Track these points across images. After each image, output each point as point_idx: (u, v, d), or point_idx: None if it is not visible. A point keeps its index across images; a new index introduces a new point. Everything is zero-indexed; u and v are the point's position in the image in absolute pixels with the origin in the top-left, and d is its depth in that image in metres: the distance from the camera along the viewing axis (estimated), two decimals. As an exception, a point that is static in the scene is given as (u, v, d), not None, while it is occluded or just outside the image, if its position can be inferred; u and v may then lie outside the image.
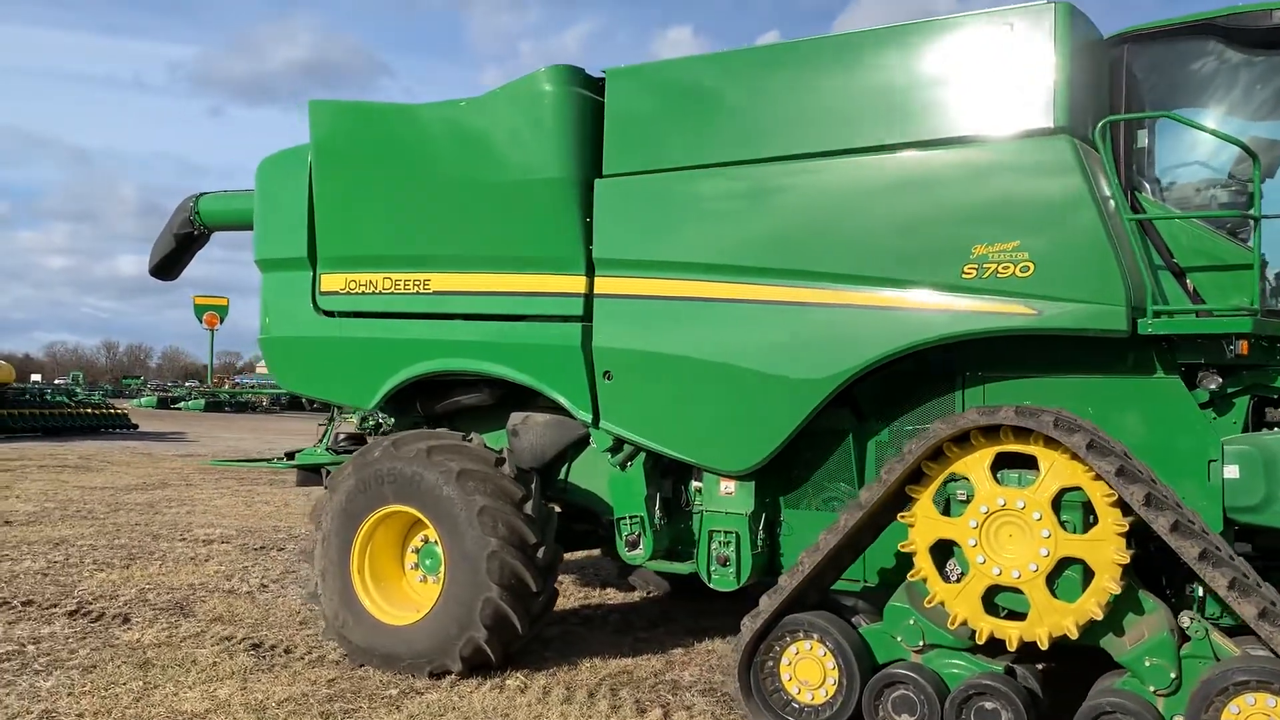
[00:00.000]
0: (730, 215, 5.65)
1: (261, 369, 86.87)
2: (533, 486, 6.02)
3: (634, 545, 6.21)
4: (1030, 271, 4.91)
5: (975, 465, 4.65)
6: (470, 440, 6.14)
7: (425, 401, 6.95)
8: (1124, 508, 4.38)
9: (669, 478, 6.34)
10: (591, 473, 6.68)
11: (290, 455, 7.94)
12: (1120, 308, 4.75)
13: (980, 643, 4.62)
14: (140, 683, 5.62)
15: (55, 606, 7.49)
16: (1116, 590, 4.34)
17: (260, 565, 9.46)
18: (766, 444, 5.61)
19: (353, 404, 6.95)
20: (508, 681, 5.77)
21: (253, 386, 69.98)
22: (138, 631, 6.79)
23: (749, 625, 4.97)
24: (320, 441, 7.87)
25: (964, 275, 5.05)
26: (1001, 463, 4.68)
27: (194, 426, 40.66)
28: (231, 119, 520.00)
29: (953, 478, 4.75)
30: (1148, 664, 4.34)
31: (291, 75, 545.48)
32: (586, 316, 6.05)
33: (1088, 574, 4.48)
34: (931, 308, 5.13)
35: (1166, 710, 4.28)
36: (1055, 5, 4.96)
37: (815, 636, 4.92)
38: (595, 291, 6.01)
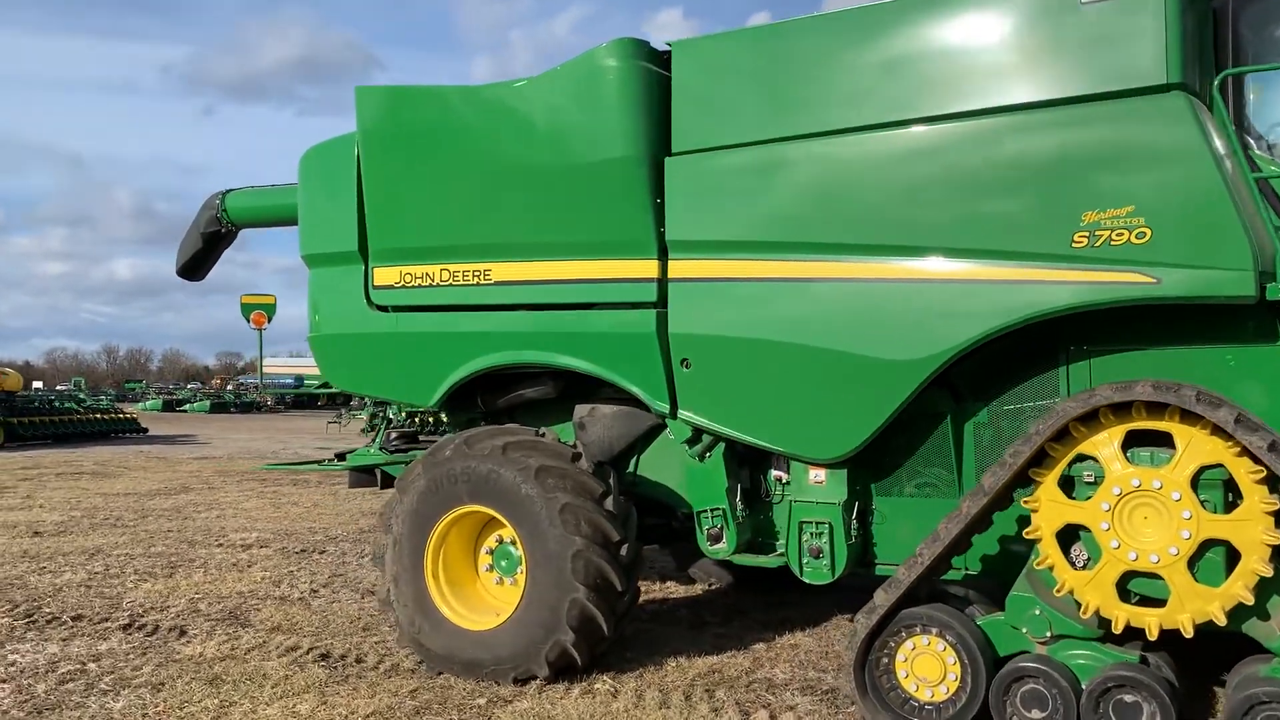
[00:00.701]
0: (816, 189, 5.37)
1: (267, 369, 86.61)
2: (611, 481, 5.76)
3: (716, 539, 5.96)
4: (1147, 238, 4.64)
5: (1105, 444, 4.39)
6: (543, 435, 5.88)
7: (486, 396, 6.68)
8: (1269, 485, 4.13)
9: (746, 467, 6.10)
10: (663, 465, 6.43)
11: (341, 456, 7.70)
12: (1248, 272, 4.48)
13: (1117, 632, 4.37)
14: (215, 700, 5.37)
15: (107, 620, 7.24)
16: (1267, 572, 4.09)
17: (306, 570, 9.20)
18: (862, 429, 5.34)
19: (412, 402, 6.70)
20: (596, 685, 5.52)
21: (255, 386, 69.68)
22: (198, 645, 6.54)
23: (864, 621, 4.72)
24: (373, 442, 7.60)
25: (1074, 244, 4.78)
26: (1129, 441, 4.42)
27: (202, 428, 40.48)
28: (225, 119, 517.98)
29: (1078, 458, 4.49)
30: (1303, 649, 4.09)
31: (283, 72, 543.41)
32: (660, 302, 5.78)
33: (1231, 556, 4.24)
34: (1040, 280, 4.85)
35: (1323, 697, 4.04)
36: (1165, -46, 4.68)
37: (934, 631, 4.66)
38: (669, 276, 5.74)
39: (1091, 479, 4.47)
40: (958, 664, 4.62)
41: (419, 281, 6.48)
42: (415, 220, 6.47)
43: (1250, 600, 4.13)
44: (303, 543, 10.81)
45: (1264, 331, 4.84)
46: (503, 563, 5.92)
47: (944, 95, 5.09)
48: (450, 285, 6.37)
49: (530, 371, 6.46)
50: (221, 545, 10.68)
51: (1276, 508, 4.09)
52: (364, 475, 7.47)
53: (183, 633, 6.90)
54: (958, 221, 5.03)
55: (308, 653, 6.28)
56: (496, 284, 6.24)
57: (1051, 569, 4.49)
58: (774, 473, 6.09)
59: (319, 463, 7.82)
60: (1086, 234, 4.75)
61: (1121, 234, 4.69)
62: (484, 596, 5.94)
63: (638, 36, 5.82)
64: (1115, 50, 4.76)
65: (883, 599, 4.69)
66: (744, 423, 5.67)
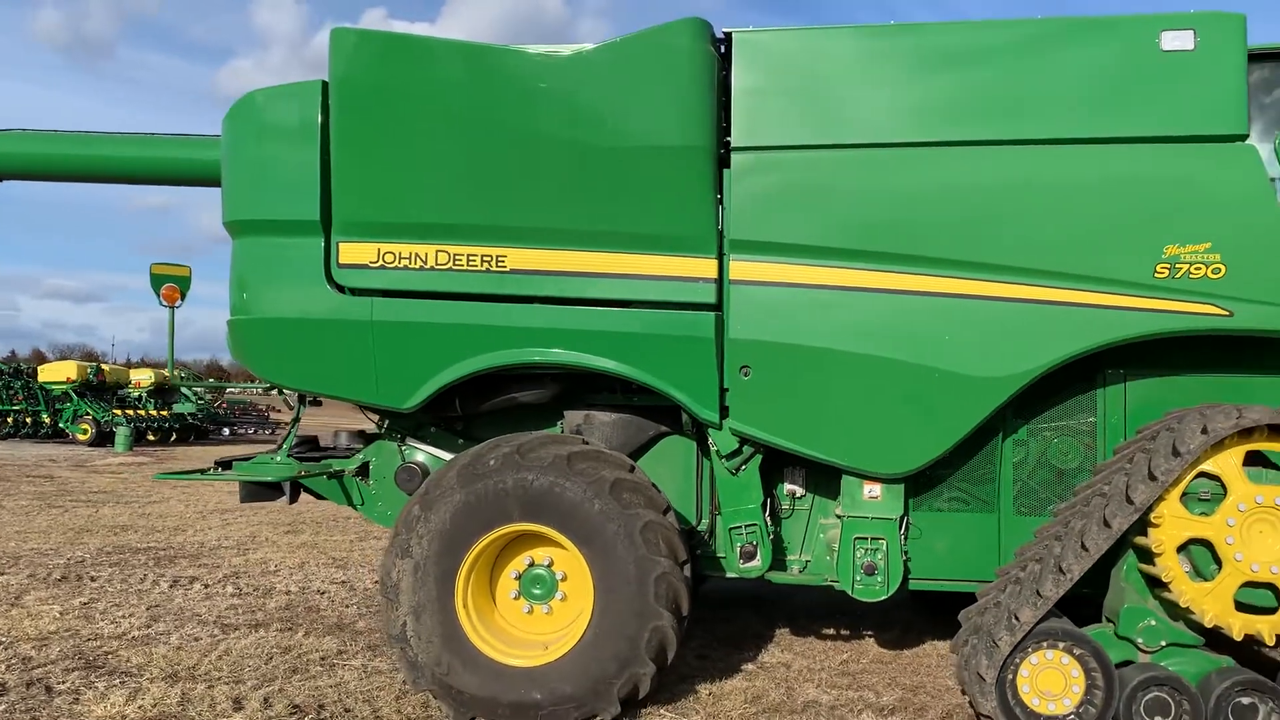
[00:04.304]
0: (900, 200, 5.27)
1: None
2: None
3: (750, 556, 5.65)
4: (1222, 274, 5.04)
5: (1227, 462, 4.70)
6: (590, 443, 5.28)
7: (469, 399, 5.87)
8: (1366, 501, 4.64)
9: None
10: (658, 477, 5.98)
11: (225, 465, 6.36)
12: (1307, 309, 5.02)
13: (1238, 639, 4.67)
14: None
15: (-86, 678, 5.50)
16: (1372, 580, 4.58)
17: (103, 601, 7.59)
18: (936, 445, 5.32)
19: (385, 403, 5.68)
20: (662, 721, 5.04)
21: None
22: (96, 704, 5.15)
23: (1008, 639, 4.68)
24: (279, 449, 6.38)
25: (1156, 274, 5.09)
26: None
27: None
28: None
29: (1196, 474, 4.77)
30: (1392, 649, 4.62)
31: None
32: (718, 305, 5.42)
33: (1327, 566, 4.70)
34: (1124, 305, 5.11)
35: (1403, 690, 4.59)
36: (1240, 16, 5.14)
37: (1061, 645, 4.73)
38: (731, 277, 5.39)
39: (1208, 496, 4.78)
40: (1081, 676, 4.72)
41: (405, 263, 5.57)
42: (405, 191, 5.56)
43: (1357, 604, 4.61)
44: (49, 567, 8.93)
45: (1276, 364, 5.44)
46: (535, 589, 5.22)
47: (1036, 120, 5.21)
48: (450, 270, 5.54)
49: (533, 373, 5.77)
50: (-58, 573, 8.52)
51: (1374, 522, 4.60)
52: (263, 489, 6.24)
53: (49, 690, 5.40)
54: (1047, 244, 5.17)
55: (267, 705, 5.15)
56: (512, 272, 5.51)
57: (1171, 581, 4.72)
58: (788, 486, 5.92)
59: (202, 472, 6.41)
60: (1168, 265, 5.08)
61: (1199, 268, 5.06)
62: (505, 627, 5.20)
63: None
64: (1195, 96, 5.13)
65: (1029, 615, 4.67)
66: (804, 436, 5.43)
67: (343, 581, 8.53)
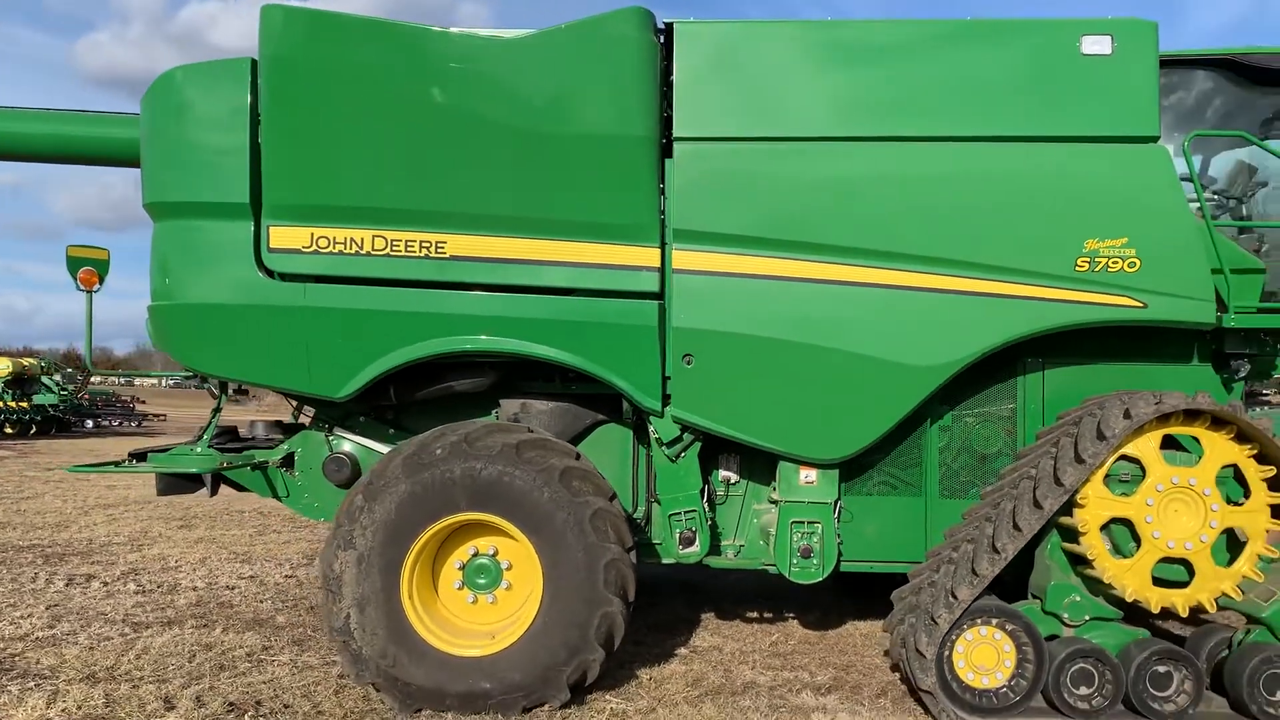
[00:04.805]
0: (839, 193, 5.39)
1: None
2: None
3: (690, 542, 5.71)
4: (1138, 267, 5.32)
5: (1146, 446, 4.98)
6: (533, 431, 5.26)
7: (403, 388, 5.76)
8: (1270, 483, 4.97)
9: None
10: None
11: (140, 456, 6.10)
12: (1211, 303, 5.34)
13: (1155, 611, 4.95)
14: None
15: None
16: (1274, 554, 4.92)
17: (-3, 601, 7.21)
18: (870, 432, 5.48)
19: (318, 392, 5.53)
20: (612, 706, 5.06)
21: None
22: (18, 708, 4.89)
23: (946, 616, 4.86)
24: (198, 440, 6.14)
25: (1077, 268, 5.35)
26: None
27: None
28: None
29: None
30: (1288, 618, 4.98)
31: None
32: (660, 293, 5.46)
33: (1232, 543, 5.03)
34: (1047, 297, 5.35)
35: (1300, 656, 4.95)
36: (1153, 24, 5.42)
37: (994, 622, 4.95)
38: (675, 266, 5.43)
39: (1128, 478, 5.05)
40: (1013, 650, 4.94)
41: (340, 248, 5.44)
42: (339, 174, 5.43)
43: (1260, 579, 4.93)
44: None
45: (1182, 353, 5.78)
46: (480, 579, 5.18)
47: (965, 117, 5.40)
48: (387, 255, 5.43)
49: (463, 361, 5.70)
50: None
51: (1276, 501, 4.93)
52: (180, 481, 6.01)
53: (-41, 693, 5.12)
54: (977, 238, 5.37)
55: (200, 704, 4.98)
56: (452, 259, 5.44)
57: (1095, 559, 4.97)
58: (723, 473, 6.02)
59: (117, 464, 6.12)
60: (1088, 259, 5.34)
61: (1116, 262, 5.34)
62: (450, 618, 5.15)
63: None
64: (1112, 99, 5.40)
65: (966, 593, 4.87)
66: (744, 423, 5.52)
67: (250, 576, 8.28)
